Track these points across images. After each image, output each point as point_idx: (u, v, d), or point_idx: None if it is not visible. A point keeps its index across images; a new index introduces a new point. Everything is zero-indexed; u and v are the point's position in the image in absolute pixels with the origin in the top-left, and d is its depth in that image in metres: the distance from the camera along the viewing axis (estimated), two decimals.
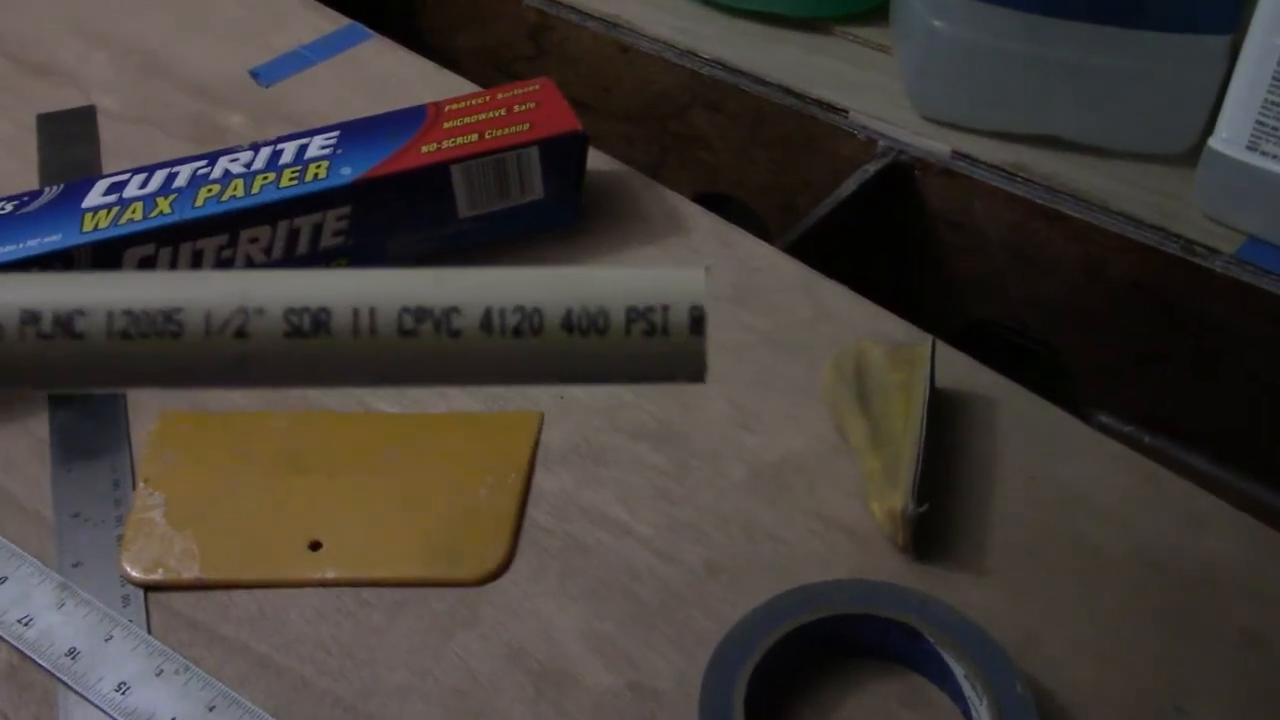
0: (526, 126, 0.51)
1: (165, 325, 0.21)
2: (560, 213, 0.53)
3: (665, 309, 0.21)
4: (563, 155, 0.51)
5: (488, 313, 0.21)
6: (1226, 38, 0.54)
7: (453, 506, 0.42)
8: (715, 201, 0.67)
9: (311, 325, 0.21)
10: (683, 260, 0.52)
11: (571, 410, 0.46)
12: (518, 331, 0.21)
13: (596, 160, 0.56)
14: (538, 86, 0.53)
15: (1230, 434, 0.55)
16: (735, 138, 0.65)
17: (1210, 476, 0.55)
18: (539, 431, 0.45)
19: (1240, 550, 0.41)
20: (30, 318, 0.21)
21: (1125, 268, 0.55)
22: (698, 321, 0.21)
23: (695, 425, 0.45)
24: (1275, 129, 0.51)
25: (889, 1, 0.66)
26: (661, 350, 0.21)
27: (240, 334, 0.21)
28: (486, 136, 0.51)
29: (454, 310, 0.21)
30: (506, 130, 0.51)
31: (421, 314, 0.21)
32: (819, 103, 0.62)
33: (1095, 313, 0.56)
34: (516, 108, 0.52)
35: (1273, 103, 0.51)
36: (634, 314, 0.21)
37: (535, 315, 0.21)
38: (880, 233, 0.60)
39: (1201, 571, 0.40)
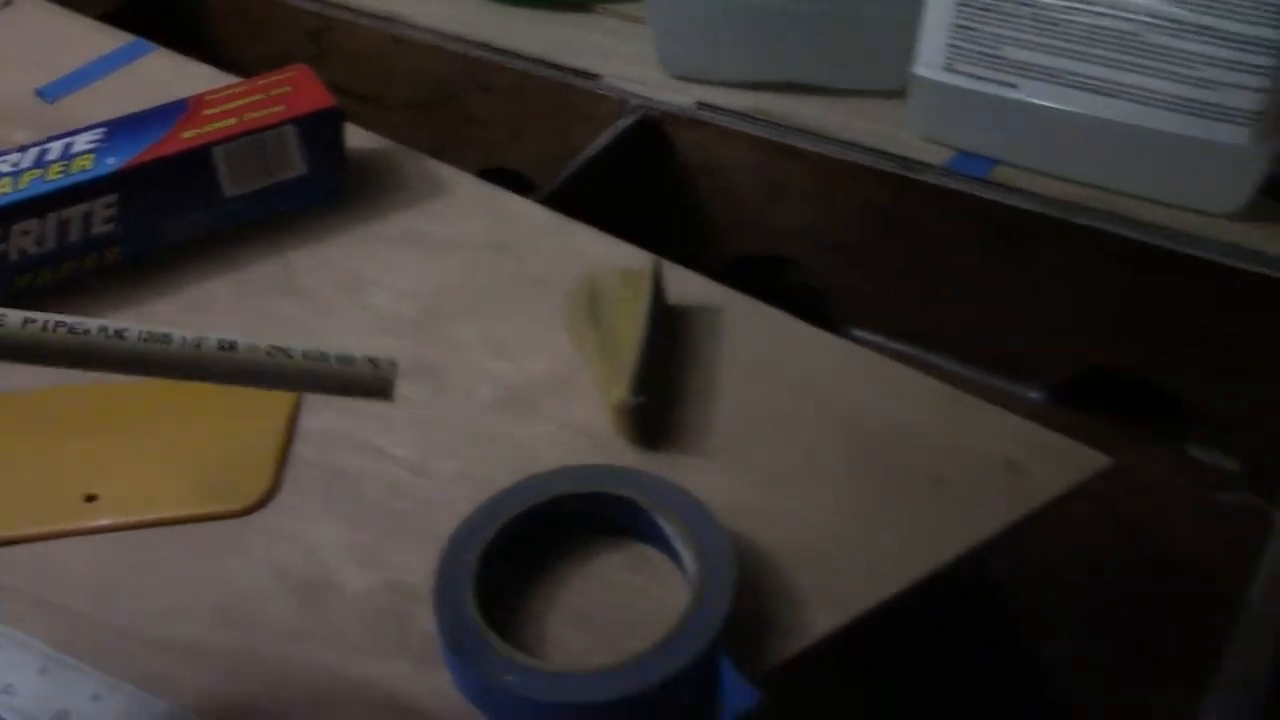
0: (282, 108, 0.55)
1: None
2: (326, 187, 0.56)
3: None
4: (320, 131, 0.55)
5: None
6: None
7: (220, 450, 0.45)
8: (497, 177, 0.71)
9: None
10: (444, 220, 0.56)
11: None
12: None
13: (371, 143, 0.60)
14: (294, 73, 0.57)
15: (961, 331, 0.60)
16: (507, 114, 0.69)
17: (949, 373, 0.61)
18: None
19: (928, 408, 0.45)
20: None
21: (856, 191, 0.60)
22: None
23: (451, 359, 0.49)
24: (966, 50, 0.56)
25: None
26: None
27: None
28: (245, 119, 0.54)
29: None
30: (264, 112, 0.54)
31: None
32: (575, 71, 0.66)
33: (838, 236, 0.61)
34: (273, 91, 0.56)
35: (961, 26, 0.56)
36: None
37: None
38: (641, 184, 0.64)
39: (895, 430, 0.45)
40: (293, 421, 0.47)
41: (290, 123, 0.54)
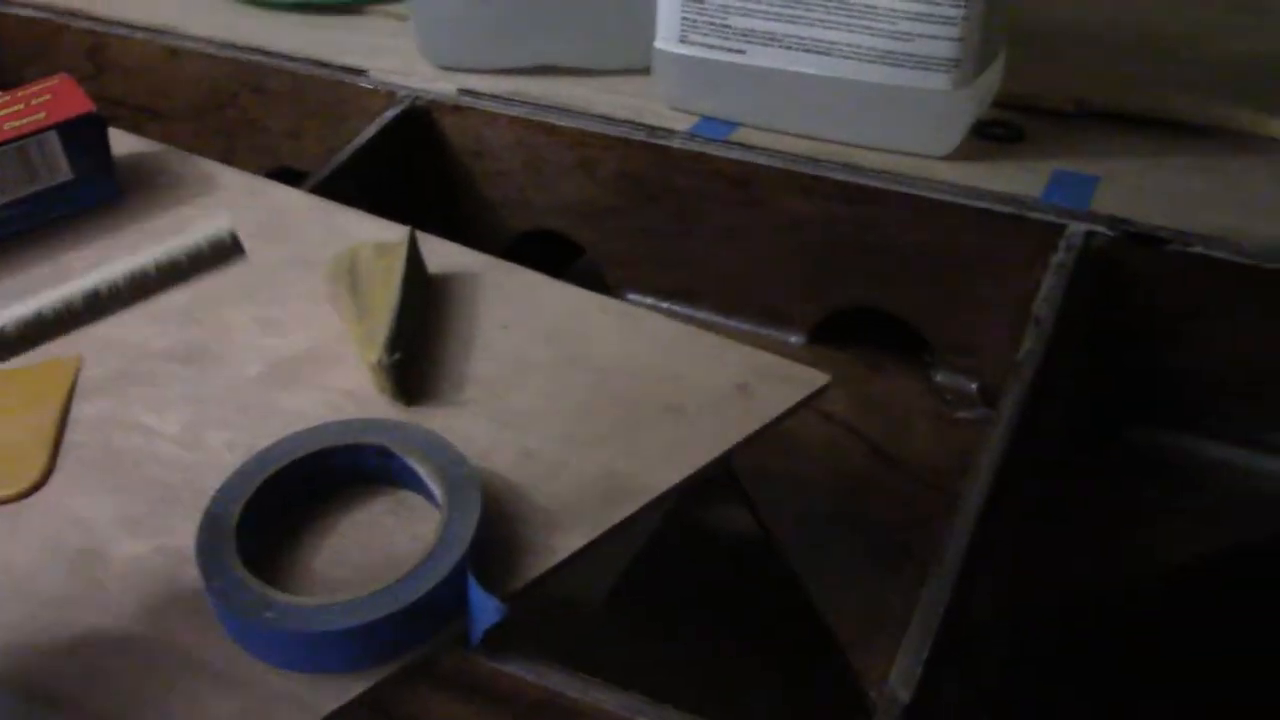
0: (43, 115, 0.56)
1: None
2: (96, 190, 0.58)
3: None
4: (82, 136, 0.57)
5: None
6: None
7: None
8: (283, 177, 0.74)
9: None
10: (216, 212, 0.58)
11: (112, 348, 0.51)
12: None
13: (147, 148, 0.62)
14: (55, 82, 0.59)
15: (722, 284, 0.65)
16: (284, 115, 0.72)
17: (715, 325, 0.65)
18: (77, 371, 0.50)
19: (667, 345, 0.49)
20: None
21: (613, 162, 0.63)
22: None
23: (221, 341, 0.51)
24: (697, 22, 0.61)
25: None
26: None
27: None
28: (6, 128, 0.55)
29: None
30: (25, 121, 0.56)
31: None
32: (344, 68, 0.69)
33: (602, 206, 0.65)
34: (34, 101, 0.57)
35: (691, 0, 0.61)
36: None
37: None
38: (412, 171, 0.67)
39: (637, 367, 0.48)
40: (65, 410, 0.48)
41: (52, 129, 0.56)
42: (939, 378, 0.62)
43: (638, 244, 0.66)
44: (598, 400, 0.48)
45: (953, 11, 0.55)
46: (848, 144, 0.60)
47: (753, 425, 0.46)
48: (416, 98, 0.67)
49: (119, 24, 0.75)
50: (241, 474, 0.43)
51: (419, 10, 0.68)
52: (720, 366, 0.48)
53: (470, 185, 0.68)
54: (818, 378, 0.48)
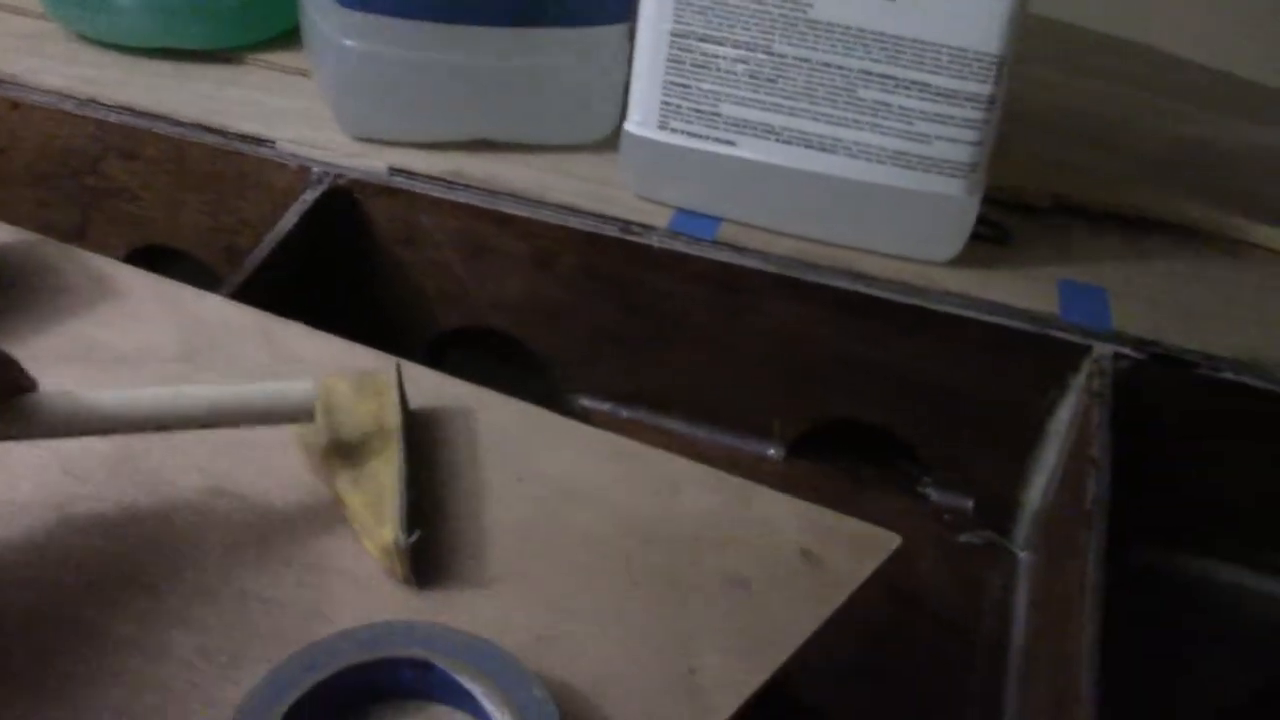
0: None
1: None
2: None
3: None
4: None
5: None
6: (623, 26, 0.57)
7: None
8: (154, 256, 0.63)
9: None
10: (123, 328, 0.47)
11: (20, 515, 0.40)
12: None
13: (9, 236, 0.50)
14: None
15: (695, 393, 0.59)
16: (161, 185, 0.61)
17: (684, 436, 0.59)
18: None
19: (713, 503, 0.43)
20: None
21: (574, 256, 0.56)
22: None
23: (163, 504, 0.41)
24: (680, 107, 0.54)
25: (299, 24, 0.64)
26: None
27: None
28: None
29: None
30: None
31: None
32: (242, 136, 0.59)
33: (557, 303, 0.58)
34: None
35: (674, 83, 0.54)
36: None
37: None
38: (335, 261, 0.58)
39: (682, 530, 0.42)
40: None
41: None
42: (932, 495, 0.58)
43: (597, 345, 0.59)
44: (639, 573, 0.41)
45: (975, 115, 0.51)
46: (843, 246, 0.55)
47: (833, 602, 0.40)
48: (339, 175, 0.57)
49: None
50: (249, 710, 0.34)
51: (333, 72, 0.59)
52: (778, 528, 0.42)
53: (397, 276, 0.59)
54: (890, 539, 0.43)
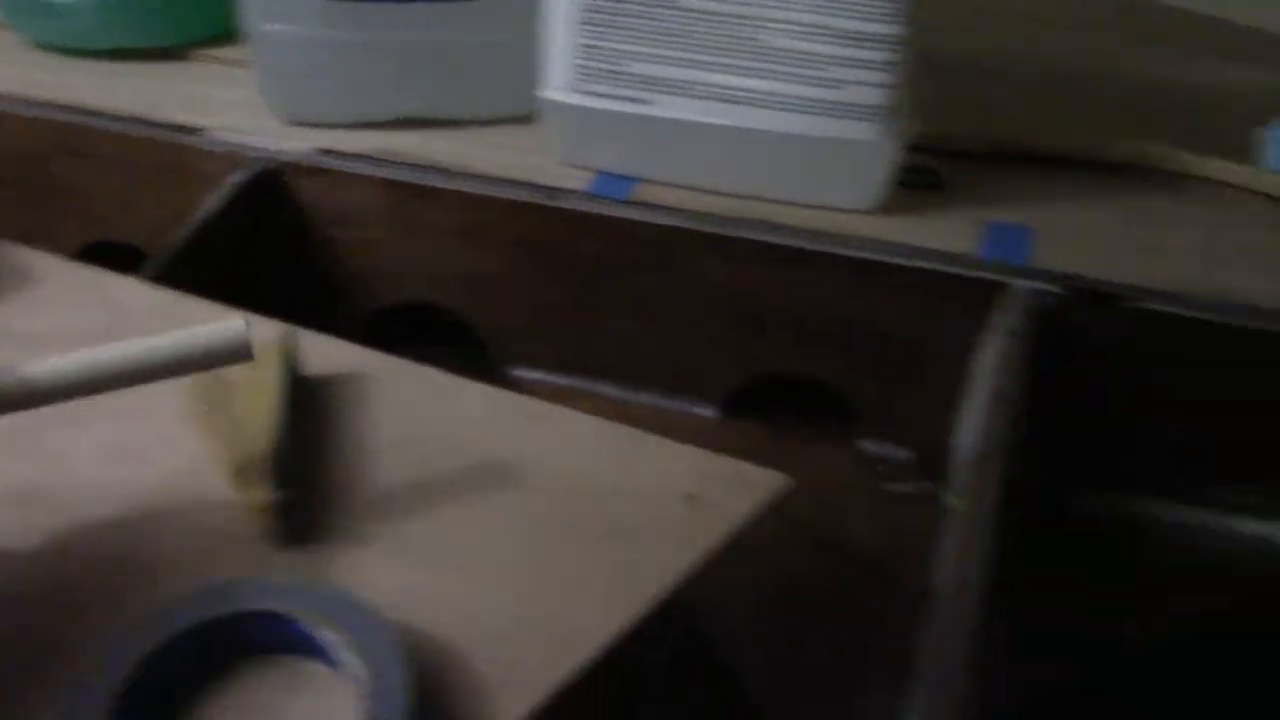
0: None
1: None
2: None
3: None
4: None
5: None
6: None
7: None
8: (108, 252, 0.64)
9: None
10: (43, 314, 0.48)
11: None
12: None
13: None
14: None
15: (628, 357, 0.58)
16: (110, 181, 0.62)
17: (620, 401, 0.59)
18: None
19: (602, 455, 0.43)
20: None
21: (502, 227, 0.56)
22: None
23: (56, 476, 0.42)
24: (593, 69, 0.54)
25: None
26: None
27: None
28: None
29: None
30: None
31: None
32: (175, 127, 0.60)
33: (489, 275, 0.58)
34: None
35: (586, 45, 0.54)
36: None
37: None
38: (270, 243, 0.59)
39: (569, 483, 0.42)
40: None
41: None
42: (867, 447, 0.57)
43: (525, 315, 0.59)
44: (524, 525, 0.40)
45: (884, 57, 0.50)
46: (763, 199, 0.55)
47: (709, 541, 0.40)
48: (267, 160, 0.58)
49: None
50: (104, 659, 0.34)
51: (262, 58, 0.60)
52: (664, 473, 0.42)
53: (329, 256, 0.60)
54: (775, 479, 0.42)
